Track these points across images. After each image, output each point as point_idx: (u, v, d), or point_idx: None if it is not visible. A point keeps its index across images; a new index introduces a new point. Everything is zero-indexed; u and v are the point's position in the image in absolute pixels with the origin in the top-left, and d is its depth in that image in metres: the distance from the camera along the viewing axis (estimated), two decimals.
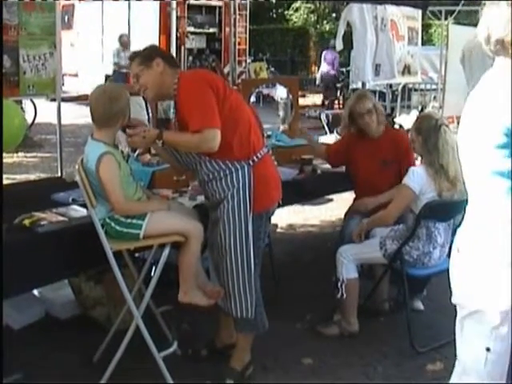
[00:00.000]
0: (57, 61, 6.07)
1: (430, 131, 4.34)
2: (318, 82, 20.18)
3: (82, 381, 3.98)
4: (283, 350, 4.44)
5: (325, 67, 19.01)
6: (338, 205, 7.80)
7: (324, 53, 19.26)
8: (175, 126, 3.89)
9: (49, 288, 4.77)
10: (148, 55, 3.79)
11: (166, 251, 3.64)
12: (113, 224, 3.59)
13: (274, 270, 5.11)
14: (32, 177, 8.88)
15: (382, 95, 13.70)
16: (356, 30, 6.22)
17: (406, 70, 8.15)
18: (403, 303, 4.63)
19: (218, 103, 3.60)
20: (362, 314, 4.67)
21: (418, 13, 8.59)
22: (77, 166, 3.63)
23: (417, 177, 4.34)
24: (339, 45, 6.82)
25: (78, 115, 12.93)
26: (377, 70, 6.67)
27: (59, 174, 5.90)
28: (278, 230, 6.90)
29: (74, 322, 4.79)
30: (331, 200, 8.19)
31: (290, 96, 6.19)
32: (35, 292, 4.88)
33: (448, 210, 4.38)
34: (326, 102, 19.05)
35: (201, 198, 4.27)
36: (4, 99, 4.80)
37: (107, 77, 16.45)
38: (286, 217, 7.26)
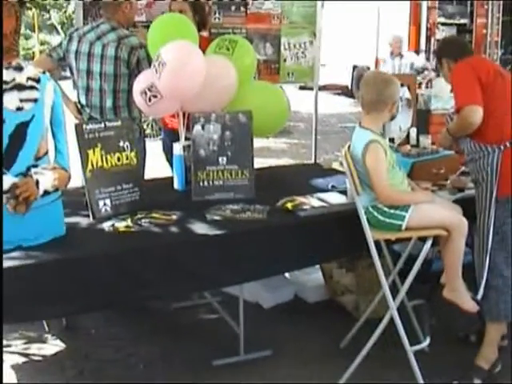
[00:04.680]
0: (316, 49, 6.18)
1: None
2: None
3: (328, 365, 4.04)
4: None
5: None
6: None
7: None
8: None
9: (300, 271, 4.87)
10: (438, 55, 4.12)
11: (428, 244, 3.55)
12: (375, 213, 3.57)
13: None
14: (281, 162, 9.12)
15: None
16: None
17: None
18: None
19: (480, 86, 3.69)
20: None
21: None
22: (343, 153, 3.65)
23: None
24: None
25: (325, 104, 13.11)
26: None
27: (312, 161, 6.02)
28: None
29: (322, 307, 4.86)
30: None
31: None
32: (286, 274, 5.00)
33: None
34: None
35: (461, 194, 4.15)
36: (267, 84, 4.97)
37: (354, 67, 16.53)
38: None
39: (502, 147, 3.70)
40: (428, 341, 3.77)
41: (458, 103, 3.72)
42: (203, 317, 4.65)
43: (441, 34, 15.65)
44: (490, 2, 15.37)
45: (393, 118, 3.74)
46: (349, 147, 3.66)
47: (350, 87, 17.76)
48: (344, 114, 14.74)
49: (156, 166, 5.29)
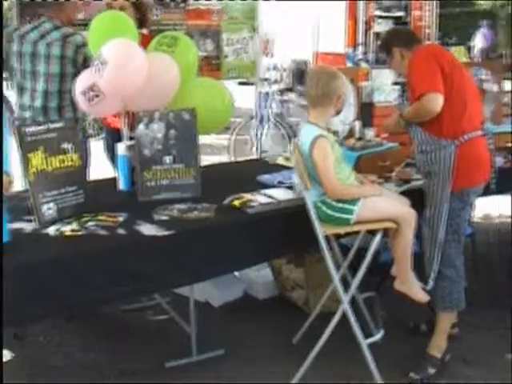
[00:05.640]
0: (257, 44, 6.17)
1: None
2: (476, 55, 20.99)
3: (282, 361, 4.04)
4: (484, 343, 4.32)
5: (481, 43, 20.60)
6: None
7: (481, 30, 21.43)
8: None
9: (249, 268, 4.84)
10: (386, 46, 4.08)
11: (378, 237, 3.58)
12: (324, 208, 3.57)
13: (477, 260, 4.92)
14: (223, 158, 9.07)
15: None
16: None
17: None
18: None
19: (442, 76, 3.72)
20: None
21: None
22: (291, 149, 3.63)
23: None
24: None
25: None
26: None
27: (254, 156, 5.99)
28: (474, 219, 6.62)
29: (272, 303, 4.87)
30: None
31: (495, 81, 5.93)
32: None
33: None
34: None
35: (407, 185, 4.18)
36: (210, 80, 4.91)
37: (293, 61, 16.56)
38: (481, 206, 6.95)
39: (457, 142, 3.74)
40: (381, 333, 3.79)
41: (420, 89, 3.69)
42: (153, 318, 4.58)
43: (378, 27, 15.81)
44: None
45: (339, 112, 3.73)
46: (296, 143, 3.65)
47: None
48: None
49: (97, 167, 5.20)
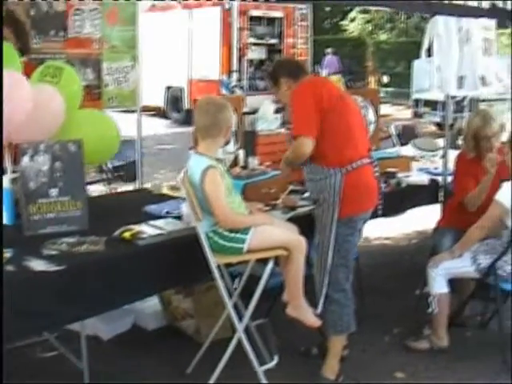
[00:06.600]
0: (138, 73, 6.14)
1: None
2: None
3: None
4: (374, 363, 4.43)
5: (326, 70, 21.38)
6: (410, 217, 7.69)
7: (325, 58, 22.80)
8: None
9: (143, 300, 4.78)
10: (274, 76, 4.13)
11: (270, 265, 3.63)
12: (216, 238, 3.60)
13: (362, 283, 5.07)
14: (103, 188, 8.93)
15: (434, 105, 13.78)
16: (442, 41, 6.13)
17: (482, 81, 8.05)
18: (491, 318, 4.69)
19: (319, 113, 3.79)
20: (449, 329, 4.59)
21: (493, 23, 8.55)
22: (181, 179, 3.64)
23: (509, 192, 4.25)
24: (424, 55, 6.76)
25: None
26: (461, 82, 6.58)
27: (137, 185, 5.92)
28: None
29: (162, 333, 4.83)
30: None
31: (370, 108, 6.16)
32: None
33: None
34: None
35: (293, 212, 4.27)
36: (95, 111, 4.86)
37: (168, 88, 16.60)
38: None
39: (344, 170, 3.84)
40: (276, 359, 3.84)
41: (294, 131, 3.84)
42: (42, 355, 4.43)
43: (252, 54, 16.08)
44: (299, 23, 16.01)
45: (227, 142, 3.78)
46: (185, 173, 3.66)
47: (164, 108, 17.84)
48: (160, 136, 14.75)
49: None
